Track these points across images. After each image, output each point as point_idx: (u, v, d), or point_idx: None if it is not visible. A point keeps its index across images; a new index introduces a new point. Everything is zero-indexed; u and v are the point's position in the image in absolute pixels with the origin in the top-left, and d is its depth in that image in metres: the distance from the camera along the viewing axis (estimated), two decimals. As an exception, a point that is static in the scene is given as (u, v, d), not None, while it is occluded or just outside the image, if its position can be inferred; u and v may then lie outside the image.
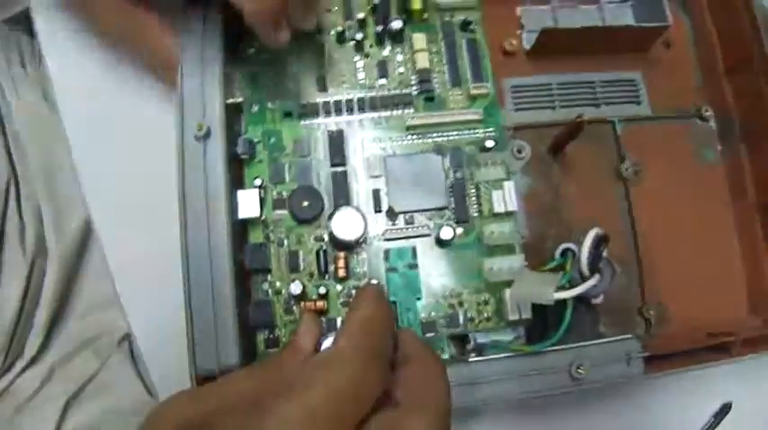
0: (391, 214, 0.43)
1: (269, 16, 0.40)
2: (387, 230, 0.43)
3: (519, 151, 0.49)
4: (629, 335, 0.43)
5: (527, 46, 0.53)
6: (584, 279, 0.42)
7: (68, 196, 0.52)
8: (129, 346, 0.52)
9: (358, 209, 0.42)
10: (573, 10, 0.54)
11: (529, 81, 0.52)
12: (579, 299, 0.45)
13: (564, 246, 0.47)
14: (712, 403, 0.53)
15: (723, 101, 0.54)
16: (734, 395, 0.53)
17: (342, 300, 0.42)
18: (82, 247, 0.53)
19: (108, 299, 0.51)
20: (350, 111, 0.45)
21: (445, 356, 0.42)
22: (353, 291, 0.42)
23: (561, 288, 0.41)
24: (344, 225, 0.41)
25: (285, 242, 0.43)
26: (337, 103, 0.45)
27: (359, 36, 0.46)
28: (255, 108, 0.45)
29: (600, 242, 0.42)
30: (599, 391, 0.51)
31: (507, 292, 0.42)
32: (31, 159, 0.52)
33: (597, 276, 0.42)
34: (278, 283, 0.42)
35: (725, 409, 0.53)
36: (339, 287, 0.42)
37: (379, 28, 0.46)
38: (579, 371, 0.41)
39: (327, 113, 0.45)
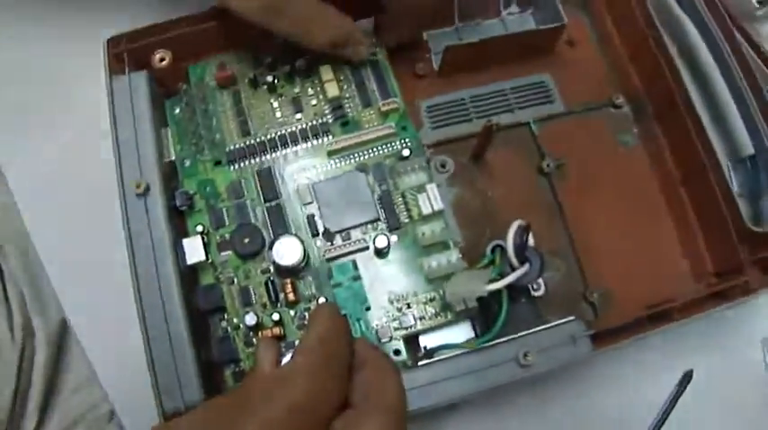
0: (328, 235, 0.45)
1: (325, 48, 0.46)
2: (326, 250, 0.45)
3: (443, 165, 0.51)
4: (572, 318, 0.44)
5: (436, 67, 0.55)
6: (514, 270, 0.43)
7: (47, 291, 0.53)
8: (119, 423, 0.53)
9: (294, 235, 0.44)
10: (476, 27, 0.57)
11: (443, 99, 0.54)
12: (520, 291, 0.47)
13: (493, 243, 0.48)
14: (671, 375, 0.53)
15: (631, 86, 0.56)
16: (689, 364, 0.53)
17: (297, 323, 0.44)
18: (63, 329, 0.54)
19: (89, 377, 0.52)
20: (274, 148, 0.47)
21: (401, 359, 0.43)
22: (306, 313, 0.44)
23: (493, 281, 0.42)
24: (284, 252, 0.43)
25: (235, 280, 0.45)
26: (261, 143, 0.47)
27: (269, 79, 0.48)
28: (188, 162, 0.48)
29: (523, 232, 0.44)
30: (559, 376, 0.53)
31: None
32: (9, 255, 0.54)
33: (526, 265, 0.43)
34: (234, 319, 0.44)
35: (687, 377, 0.53)
36: (292, 312, 0.44)
37: (287, 68, 0.48)
38: (527, 358, 0.42)
39: (254, 155, 0.47)
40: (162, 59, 0.48)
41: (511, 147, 0.53)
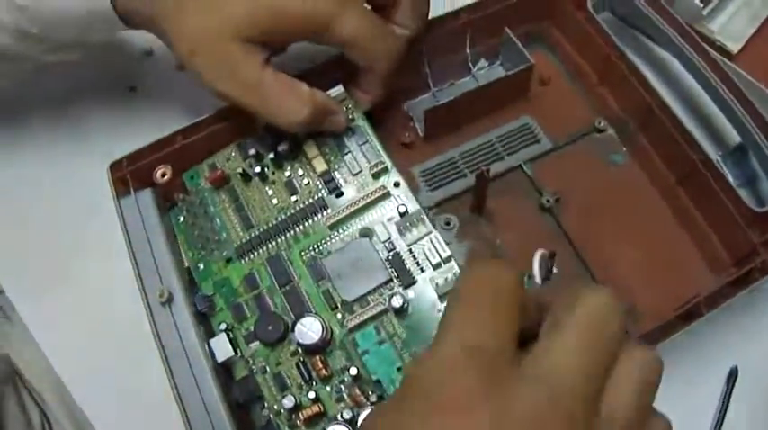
0: (346, 306, 0.44)
1: (304, 127, 0.46)
2: (348, 321, 0.44)
3: (447, 223, 0.52)
4: None
5: (421, 133, 0.56)
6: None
7: (84, 421, 0.52)
8: None
9: (313, 313, 0.44)
10: (450, 88, 0.58)
11: (434, 162, 0.55)
12: None
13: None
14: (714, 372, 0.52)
15: (609, 108, 0.57)
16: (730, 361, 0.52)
17: (335, 396, 0.43)
18: None
19: None
20: (278, 234, 0.47)
21: None
22: (342, 386, 0.43)
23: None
24: (306, 332, 0.42)
25: (267, 368, 0.44)
26: (265, 232, 0.47)
27: (258, 169, 0.48)
28: (201, 266, 0.48)
29: (548, 258, 0.44)
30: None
31: None
32: (51, 405, 0.53)
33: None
34: (275, 406, 0.43)
35: (733, 375, 0.52)
36: (327, 387, 0.43)
37: (272, 155, 0.48)
38: None
39: (260, 245, 0.47)
40: (164, 175, 0.50)
41: (509, 193, 0.54)
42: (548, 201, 0.53)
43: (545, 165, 0.55)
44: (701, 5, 0.59)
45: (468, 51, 0.57)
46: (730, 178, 0.51)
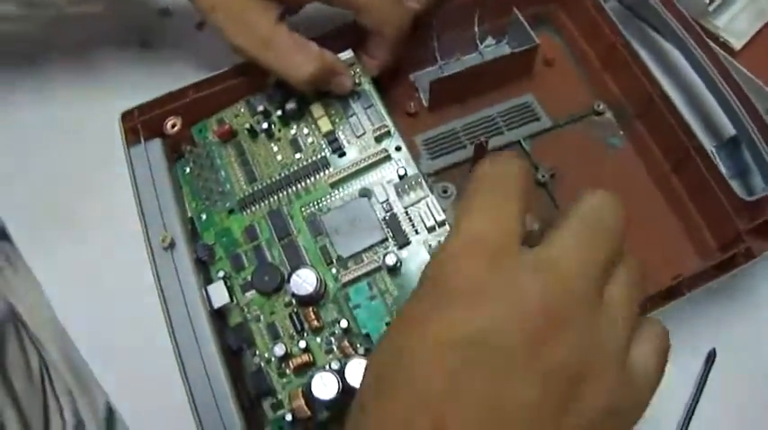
0: (342, 261, 0.46)
1: (311, 84, 0.48)
2: (342, 276, 0.45)
3: (445, 191, 0.53)
4: None
5: (426, 104, 0.57)
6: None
7: (91, 382, 0.53)
8: None
9: (309, 266, 0.45)
10: (456, 62, 0.59)
11: (436, 132, 0.56)
12: None
13: None
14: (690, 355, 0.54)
15: (609, 92, 0.58)
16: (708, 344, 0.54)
17: (324, 348, 0.44)
18: (111, 418, 0.54)
19: None
20: (280, 189, 0.48)
21: None
22: (332, 338, 0.44)
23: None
24: (301, 283, 0.44)
25: (261, 317, 0.46)
26: (268, 186, 0.49)
27: (265, 125, 0.50)
28: (204, 216, 0.49)
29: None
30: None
31: None
32: (52, 353, 0.54)
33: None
34: (266, 354, 0.45)
35: (711, 357, 0.53)
36: (318, 339, 0.44)
37: (279, 112, 0.50)
38: None
39: (263, 199, 0.48)
40: (173, 126, 0.51)
41: (507, 167, 0.54)
42: (543, 176, 0.54)
43: (543, 143, 0.56)
44: (707, 2, 0.60)
45: (476, 28, 0.58)
46: (723, 169, 0.52)
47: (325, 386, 0.41)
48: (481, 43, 0.59)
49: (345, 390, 0.41)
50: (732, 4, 0.62)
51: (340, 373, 0.41)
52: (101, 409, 0.53)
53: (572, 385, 0.26)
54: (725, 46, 0.61)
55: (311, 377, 0.42)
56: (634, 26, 0.61)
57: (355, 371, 0.41)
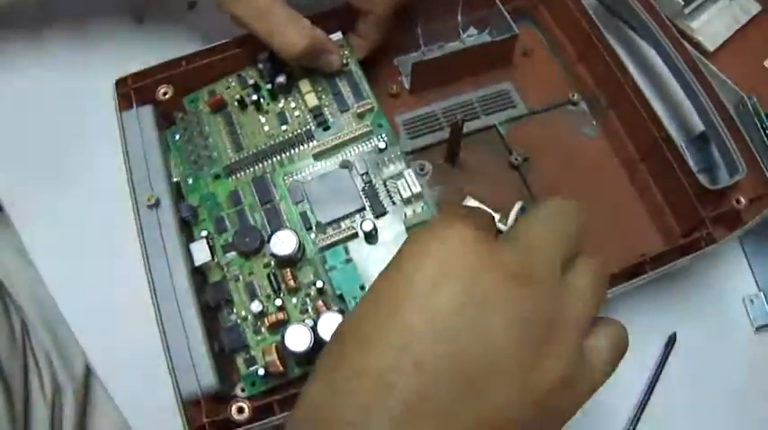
0: (320, 227, 0.48)
1: (301, 58, 0.50)
2: (320, 240, 0.47)
3: (421, 169, 0.55)
4: None
5: (407, 86, 0.60)
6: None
7: (68, 343, 0.55)
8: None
9: (289, 228, 0.47)
10: (438, 49, 0.62)
11: (416, 113, 0.59)
12: None
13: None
14: (653, 337, 0.57)
15: (584, 84, 0.60)
16: (676, 328, 0.57)
17: (299, 308, 0.46)
18: (89, 379, 0.55)
19: (119, 426, 0.53)
20: (265, 158, 0.51)
21: None
22: (307, 299, 0.46)
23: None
24: (281, 243, 0.46)
25: (240, 277, 0.48)
26: (254, 155, 0.51)
27: (254, 98, 0.52)
28: (190, 180, 0.51)
29: (523, 211, 0.48)
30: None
31: None
32: (30, 314, 0.55)
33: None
34: (242, 312, 0.47)
35: (671, 340, 0.56)
36: (294, 299, 0.47)
37: (269, 86, 0.52)
38: None
39: (248, 166, 0.51)
40: (165, 93, 0.53)
41: (482, 149, 0.57)
42: (516, 159, 0.56)
43: (519, 128, 0.58)
44: (683, 3, 0.62)
45: (459, 18, 0.61)
46: (691, 163, 0.54)
47: (298, 339, 0.43)
48: (464, 32, 0.62)
49: (318, 344, 0.43)
50: (707, 9, 0.65)
51: (313, 329, 0.43)
52: (78, 373, 0.54)
53: (539, 342, 0.28)
54: (698, 47, 0.63)
55: (284, 332, 0.43)
56: (611, 24, 0.64)
57: (328, 324, 0.43)
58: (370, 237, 0.47)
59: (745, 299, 0.58)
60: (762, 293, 0.58)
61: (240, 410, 0.43)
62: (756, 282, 0.59)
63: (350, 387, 0.27)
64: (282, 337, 0.43)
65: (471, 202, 0.50)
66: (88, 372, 0.54)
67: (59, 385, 0.52)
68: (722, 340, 0.57)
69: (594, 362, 0.31)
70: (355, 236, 0.48)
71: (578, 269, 0.32)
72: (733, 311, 0.58)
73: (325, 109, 0.52)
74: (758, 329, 0.58)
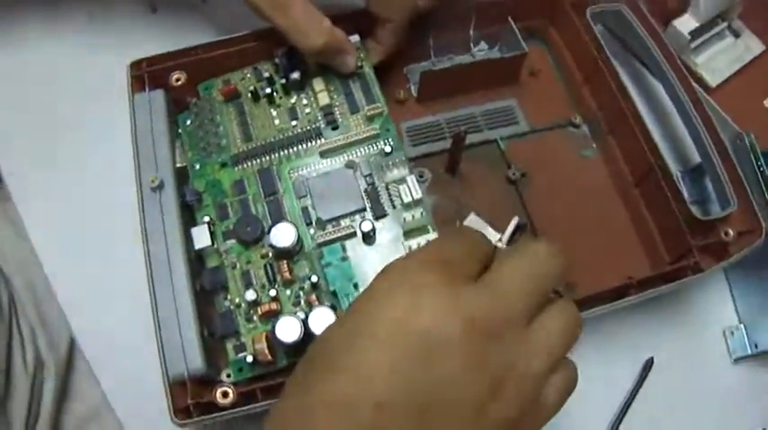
0: (320, 223, 0.49)
1: (318, 55, 0.52)
2: (319, 236, 0.49)
3: (421, 176, 0.57)
4: None
5: (415, 94, 0.61)
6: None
7: (55, 318, 0.55)
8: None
9: (289, 221, 0.48)
10: (449, 61, 0.63)
11: (421, 121, 0.60)
12: None
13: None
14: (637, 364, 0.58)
15: (587, 107, 0.62)
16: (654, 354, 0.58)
17: (293, 300, 0.47)
18: (72, 357, 0.55)
19: (98, 405, 0.53)
20: (273, 151, 0.52)
21: None
22: (301, 292, 0.48)
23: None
24: (280, 236, 0.47)
25: (237, 264, 0.49)
26: (262, 146, 0.52)
27: (268, 91, 0.53)
28: (197, 166, 0.52)
29: (518, 228, 0.50)
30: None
31: None
32: (18, 288, 0.55)
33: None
34: (237, 299, 0.48)
35: (648, 364, 0.57)
36: (288, 291, 0.48)
37: (283, 81, 0.53)
38: None
39: (255, 157, 0.52)
40: (178, 80, 0.54)
41: (481, 162, 0.59)
42: (514, 174, 0.58)
43: (519, 145, 0.60)
44: (689, 38, 0.64)
45: (471, 32, 0.62)
46: (685, 194, 0.56)
47: (289, 330, 0.44)
48: (474, 46, 0.63)
49: (307, 336, 0.44)
50: (713, 45, 0.67)
51: (304, 322, 0.44)
52: (62, 350, 0.54)
53: (495, 388, 0.30)
54: (701, 82, 0.65)
55: (276, 322, 0.45)
56: (617, 51, 0.66)
57: (318, 319, 0.44)
58: (368, 237, 0.48)
59: (725, 330, 0.60)
60: (742, 326, 0.60)
61: (225, 394, 0.44)
62: (738, 314, 0.61)
63: (314, 413, 0.29)
64: (273, 327, 0.44)
65: (473, 220, 0.51)
66: (72, 350, 0.55)
67: (42, 360, 0.53)
68: (700, 368, 0.59)
69: (547, 400, 0.32)
70: (354, 235, 0.49)
71: (551, 313, 0.33)
72: (713, 341, 0.60)
73: (336, 108, 0.53)
74: (736, 361, 0.59)
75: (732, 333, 0.60)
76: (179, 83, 0.54)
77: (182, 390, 0.44)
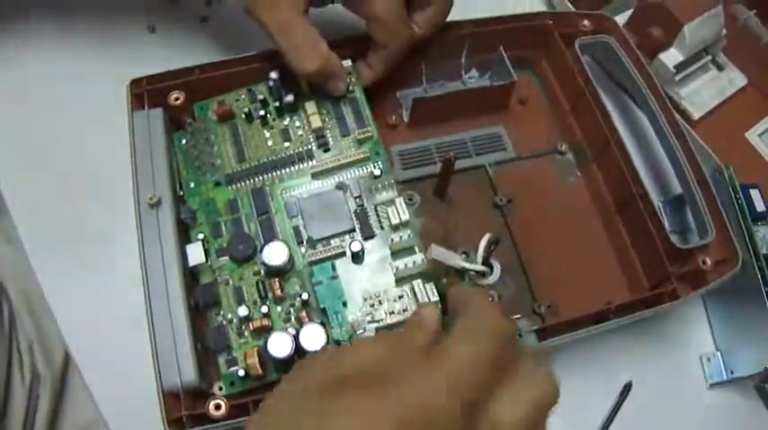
0: (311, 242, 0.51)
1: (312, 76, 0.54)
2: (309, 255, 0.50)
3: (410, 199, 0.59)
4: (519, 315, 0.51)
5: (406, 119, 0.63)
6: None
7: (50, 332, 0.56)
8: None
9: (281, 240, 0.50)
10: (440, 87, 0.65)
11: (411, 146, 0.62)
12: None
13: (462, 249, 0.55)
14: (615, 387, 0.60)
15: (573, 136, 0.64)
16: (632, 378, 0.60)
17: (283, 316, 0.49)
18: (67, 369, 0.56)
19: (91, 416, 0.54)
20: (266, 171, 0.54)
21: None
22: (291, 309, 0.49)
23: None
24: (272, 254, 0.49)
25: (230, 281, 0.50)
26: (255, 167, 0.54)
27: (262, 113, 0.55)
28: (192, 184, 0.54)
29: (492, 243, 0.51)
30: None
31: (415, 283, 0.49)
32: (15, 301, 0.56)
33: (488, 268, 0.52)
34: (229, 315, 0.49)
35: (626, 389, 0.59)
36: (279, 308, 0.49)
37: (277, 103, 0.55)
38: None
39: (248, 177, 0.54)
40: (177, 99, 0.56)
41: (469, 186, 0.61)
42: (500, 200, 0.60)
43: (506, 171, 0.62)
44: (675, 71, 0.67)
45: (463, 60, 0.65)
46: (666, 224, 0.58)
47: (281, 345, 0.46)
48: (466, 73, 0.66)
49: (298, 351, 0.46)
50: (697, 77, 0.70)
51: (295, 337, 0.46)
52: (57, 364, 0.55)
53: None
54: (684, 114, 0.68)
55: (267, 337, 0.46)
56: (603, 81, 0.68)
57: (309, 335, 0.46)
58: (357, 257, 0.50)
59: (702, 356, 0.62)
60: (719, 353, 0.62)
61: (217, 407, 0.46)
62: (714, 340, 0.63)
63: None
64: (265, 343, 0.46)
65: (436, 251, 0.52)
66: (67, 363, 0.56)
67: (38, 374, 0.54)
68: (677, 393, 0.61)
69: None
70: (343, 254, 0.51)
71: (504, 402, 0.31)
72: (690, 366, 0.62)
73: (328, 131, 0.55)
74: (711, 386, 0.61)
75: (709, 359, 0.62)
76: (178, 102, 0.56)
77: (175, 402, 0.46)
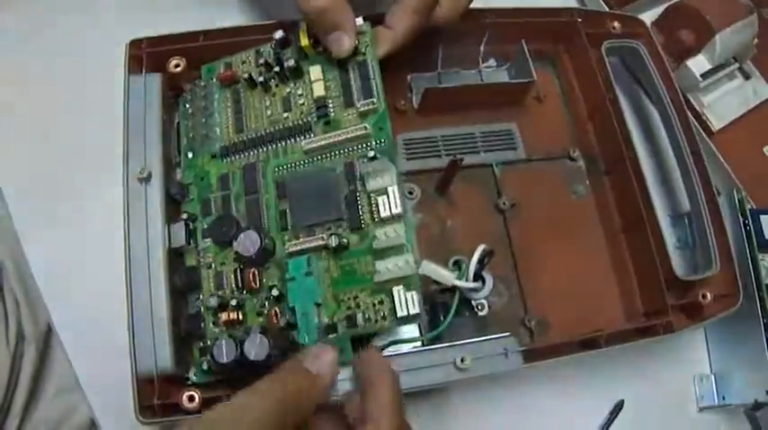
0: (294, 230, 0.46)
1: (314, 15, 0.46)
2: (290, 245, 0.45)
3: (410, 193, 0.54)
4: (508, 334, 0.46)
5: (416, 105, 0.58)
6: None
7: (36, 294, 0.55)
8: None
9: (256, 229, 0.45)
10: (455, 74, 0.59)
11: (418, 134, 0.57)
12: (467, 308, 0.51)
13: (455, 257, 0.52)
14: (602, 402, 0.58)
15: (588, 143, 0.58)
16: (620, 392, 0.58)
17: (257, 310, 0.45)
18: (49, 335, 0.55)
19: (72, 382, 0.53)
20: (261, 145, 0.49)
21: (347, 357, 0.44)
22: (266, 302, 0.45)
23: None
24: (244, 244, 0.45)
25: (212, 265, 0.46)
26: (251, 140, 0.49)
27: (262, 79, 0.50)
28: (191, 154, 0.50)
29: (486, 255, 0.48)
30: (496, 406, 0.56)
31: (395, 290, 0.44)
32: (4, 260, 0.55)
33: (480, 283, 0.48)
34: (210, 300, 0.45)
35: (618, 407, 0.56)
36: (254, 300, 0.45)
37: (277, 68, 0.49)
38: (464, 362, 0.44)
39: (243, 151, 0.49)
40: (177, 65, 0.51)
41: (473, 184, 0.56)
42: (504, 203, 0.55)
43: (513, 172, 0.57)
44: (701, 79, 0.62)
45: (482, 48, 0.58)
46: (673, 239, 0.55)
47: (224, 352, 0.42)
48: (483, 62, 0.59)
49: (240, 361, 0.43)
50: (721, 85, 0.65)
51: (240, 343, 0.43)
52: (42, 328, 0.54)
53: None
54: (705, 124, 0.64)
55: (216, 340, 0.43)
56: (627, 84, 0.63)
57: (251, 345, 0.43)
58: (338, 252, 0.45)
59: (695, 377, 0.59)
60: (713, 376, 0.59)
61: (191, 399, 0.43)
62: (710, 364, 0.60)
63: None
64: (212, 346, 0.43)
65: (426, 268, 0.48)
66: (50, 330, 0.54)
67: (24, 334, 0.53)
68: (667, 413, 0.58)
69: None
70: (323, 248, 0.45)
71: None
72: (682, 387, 0.59)
73: (330, 101, 0.49)
74: (701, 409, 0.59)
75: (702, 381, 0.59)
76: (178, 69, 0.51)
77: (149, 388, 0.43)
